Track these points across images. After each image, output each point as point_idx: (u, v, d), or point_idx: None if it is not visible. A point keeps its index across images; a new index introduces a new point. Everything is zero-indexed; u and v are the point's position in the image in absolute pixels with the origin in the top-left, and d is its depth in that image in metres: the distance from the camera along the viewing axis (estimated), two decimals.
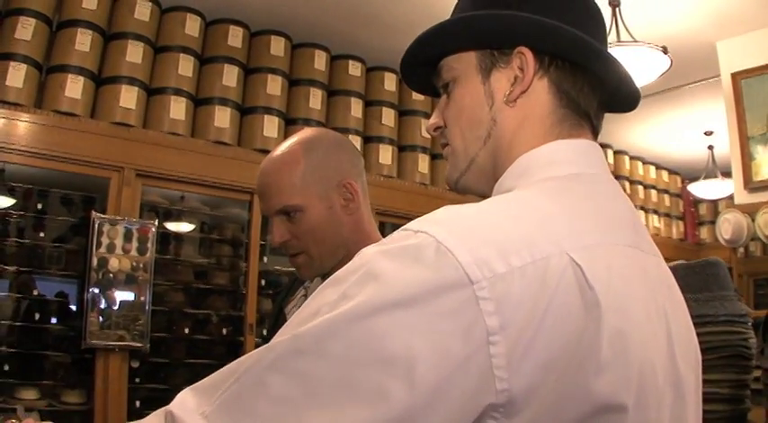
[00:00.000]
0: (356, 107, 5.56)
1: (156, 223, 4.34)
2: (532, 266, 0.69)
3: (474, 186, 0.97)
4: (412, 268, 0.67)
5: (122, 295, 4.08)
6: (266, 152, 4.67)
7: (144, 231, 4.16)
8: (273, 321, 1.70)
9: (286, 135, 5.03)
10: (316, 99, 5.30)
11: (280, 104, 5.09)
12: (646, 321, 0.77)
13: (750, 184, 5.00)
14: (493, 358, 0.65)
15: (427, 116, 6.01)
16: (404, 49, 0.98)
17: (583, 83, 0.90)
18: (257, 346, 4.55)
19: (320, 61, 5.39)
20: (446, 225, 0.71)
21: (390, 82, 5.85)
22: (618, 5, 4.49)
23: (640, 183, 8.24)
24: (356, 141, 5.48)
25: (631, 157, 8.20)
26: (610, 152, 7.90)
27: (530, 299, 0.67)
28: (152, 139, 4.35)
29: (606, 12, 4.52)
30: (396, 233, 0.74)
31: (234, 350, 4.78)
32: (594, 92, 0.92)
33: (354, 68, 5.60)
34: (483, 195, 0.95)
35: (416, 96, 5.99)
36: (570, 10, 0.91)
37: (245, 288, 4.80)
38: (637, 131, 7.35)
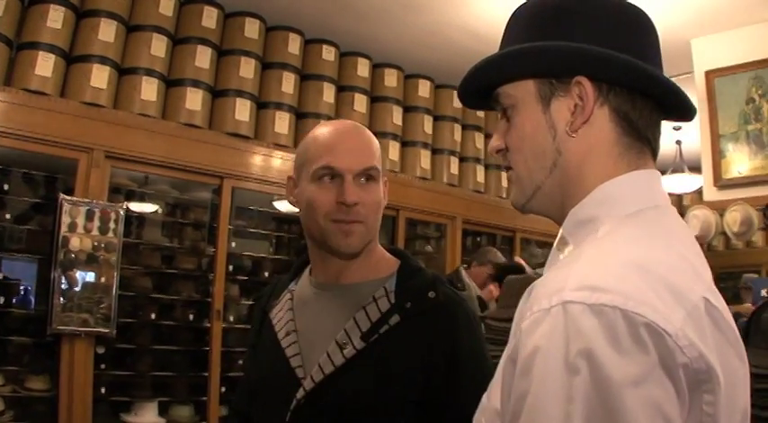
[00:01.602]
0: (328, 92, 5.62)
1: (125, 206, 4.35)
2: (689, 317, 0.76)
3: (540, 210, 1.02)
4: None
5: (84, 276, 4.10)
6: (237, 135, 4.82)
7: (105, 212, 4.17)
8: (258, 325, 1.67)
9: (258, 119, 5.12)
10: (288, 83, 5.34)
11: (252, 88, 5.12)
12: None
13: (719, 182, 5.17)
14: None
15: (399, 103, 6.12)
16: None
17: (642, 106, 0.94)
18: (224, 332, 4.65)
19: (294, 45, 5.43)
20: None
21: (363, 68, 5.91)
22: None
23: None
24: None
25: None
26: None
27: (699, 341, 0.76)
28: (122, 120, 4.35)
29: None
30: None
31: (200, 336, 4.83)
32: (653, 113, 0.96)
33: (328, 53, 5.65)
34: (547, 217, 1.02)
35: (389, 83, 6.07)
36: (622, 34, 0.95)
37: (213, 273, 4.83)
38: None
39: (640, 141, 0.95)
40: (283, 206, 5.57)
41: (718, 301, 0.81)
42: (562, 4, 0.97)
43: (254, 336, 1.65)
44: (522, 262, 5.61)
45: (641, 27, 0.98)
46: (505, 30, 1.04)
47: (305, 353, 1.48)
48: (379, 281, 1.52)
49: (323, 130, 1.54)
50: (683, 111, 0.99)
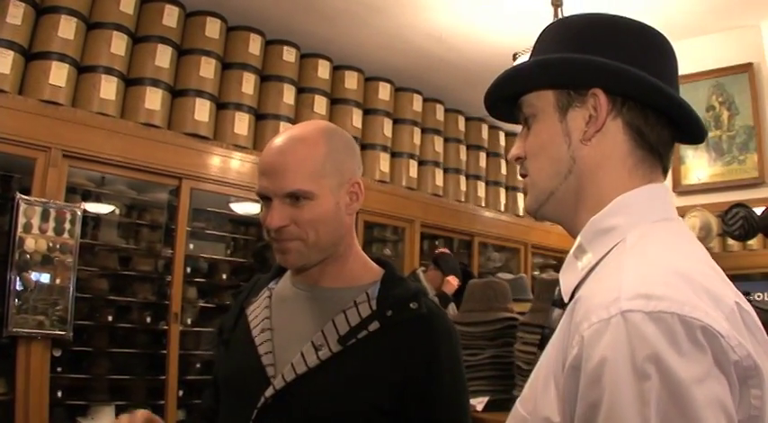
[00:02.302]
0: (288, 93, 5.64)
1: (82, 207, 4.31)
2: (727, 320, 0.82)
3: (552, 216, 1.08)
4: None
5: (39, 277, 4.05)
6: (196, 136, 4.82)
7: (61, 212, 4.13)
8: (233, 321, 1.64)
9: (217, 119, 5.11)
10: (248, 84, 5.35)
11: (212, 88, 5.11)
12: None
13: (679, 187, 5.30)
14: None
15: (359, 106, 6.16)
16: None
17: (655, 122, 1.00)
18: (181, 334, 4.65)
19: (255, 45, 5.44)
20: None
21: (324, 69, 5.94)
22: (560, 6, 4.73)
23: None
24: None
25: None
26: None
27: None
28: (81, 119, 4.31)
29: (548, 12, 4.75)
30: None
31: (158, 339, 4.80)
32: (664, 130, 1.01)
33: (289, 54, 5.67)
34: (558, 223, 1.08)
35: (349, 86, 6.11)
36: (642, 54, 1.01)
37: (170, 275, 4.80)
38: None
39: (652, 155, 1.01)
40: (240, 208, 5.59)
41: (747, 304, 0.88)
42: (591, 22, 1.05)
43: (228, 331, 1.63)
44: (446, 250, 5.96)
45: (661, 50, 1.04)
46: (536, 43, 1.10)
47: (278, 352, 1.47)
48: (361, 287, 1.52)
49: (269, 145, 1.53)
50: (694, 131, 1.04)
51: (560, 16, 4.77)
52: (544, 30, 1.11)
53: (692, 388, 0.76)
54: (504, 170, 7.76)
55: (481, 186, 7.42)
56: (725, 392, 0.78)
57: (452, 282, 5.14)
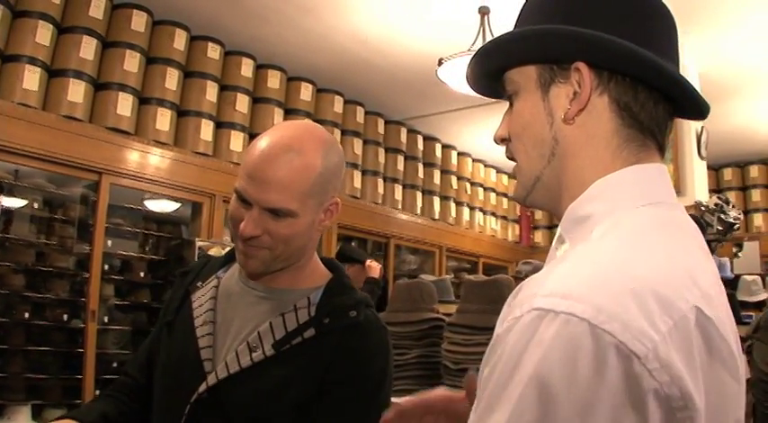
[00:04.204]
0: (211, 91, 5.66)
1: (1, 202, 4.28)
2: (675, 329, 0.72)
3: (541, 204, 1.01)
4: None
5: None
6: (118, 131, 4.83)
7: None
8: (178, 304, 1.61)
9: (139, 114, 5.11)
10: (172, 79, 5.36)
11: (135, 82, 5.10)
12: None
13: None
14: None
15: (281, 105, 6.25)
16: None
17: (646, 98, 0.91)
18: (100, 333, 4.64)
19: (180, 41, 5.45)
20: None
21: (247, 68, 5.99)
22: (487, 13, 4.92)
23: (481, 185, 8.92)
24: (208, 126, 5.60)
25: (474, 160, 8.85)
26: (454, 153, 8.49)
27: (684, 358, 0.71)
28: (2, 110, 4.26)
29: (475, 18, 4.95)
30: None
31: (74, 337, 4.75)
32: (657, 105, 0.92)
33: (213, 51, 5.70)
34: (549, 212, 1.02)
35: (272, 85, 6.17)
36: (631, 22, 0.92)
37: (88, 272, 4.77)
38: (481, 135, 7.87)
39: (643, 134, 0.92)
40: (155, 205, 5.60)
41: (714, 309, 0.77)
42: None
43: (172, 313, 1.60)
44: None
45: (654, 17, 0.96)
46: (520, 13, 1.03)
47: (217, 346, 1.48)
48: (305, 291, 1.53)
49: (261, 143, 1.46)
50: (692, 106, 0.96)
51: (487, 25, 5.00)
52: None
53: (571, 410, 0.68)
54: (421, 173, 7.95)
55: (398, 189, 7.59)
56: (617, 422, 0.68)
57: (373, 265, 5.15)
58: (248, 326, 1.49)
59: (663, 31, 0.96)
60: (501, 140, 1.02)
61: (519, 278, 4.12)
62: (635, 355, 0.68)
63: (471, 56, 1.03)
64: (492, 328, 0.81)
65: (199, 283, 1.62)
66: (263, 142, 1.46)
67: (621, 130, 0.91)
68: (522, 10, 1.02)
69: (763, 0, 4.89)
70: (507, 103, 1.02)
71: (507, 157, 1.02)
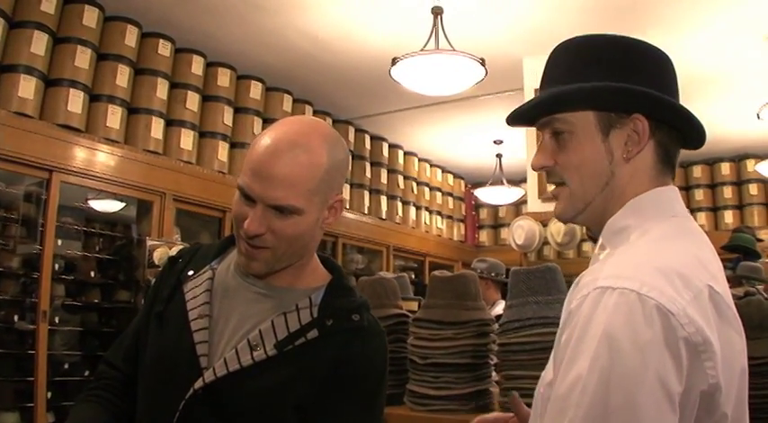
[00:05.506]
0: (162, 88, 5.63)
1: None
2: (694, 299, 1.01)
3: (584, 221, 1.28)
4: None
5: None
6: (69, 128, 4.78)
7: None
8: (168, 293, 1.57)
9: (90, 111, 5.05)
10: (123, 76, 5.31)
11: (86, 78, 5.04)
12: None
13: (544, 194, 5.63)
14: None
15: (230, 104, 6.24)
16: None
17: (675, 138, 1.21)
18: (50, 334, 4.58)
19: (131, 37, 5.40)
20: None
21: (198, 65, 5.98)
22: (440, 14, 4.98)
23: (427, 184, 9.02)
24: (158, 124, 5.56)
25: (420, 159, 8.94)
26: (400, 152, 8.55)
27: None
28: None
29: (428, 19, 5.00)
30: None
31: (25, 339, 4.67)
32: (678, 142, 1.23)
33: (164, 48, 5.67)
34: (587, 227, 1.31)
35: (221, 83, 6.17)
36: (661, 76, 1.21)
37: (39, 272, 4.69)
38: (428, 135, 8.00)
39: (669, 166, 1.23)
40: (100, 205, 5.54)
41: (721, 287, 1.07)
42: (613, 45, 1.23)
43: (163, 302, 1.57)
44: None
45: (671, 70, 1.25)
46: (552, 61, 1.28)
47: (213, 342, 1.47)
48: (306, 291, 1.53)
49: (265, 139, 1.46)
50: (698, 140, 1.26)
51: (439, 25, 5.07)
52: (559, 48, 1.28)
53: (634, 354, 0.95)
54: (368, 173, 8.01)
55: (346, 189, 7.63)
56: (663, 363, 0.96)
57: None
58: (248, 323, 1.48)
59: (673, 76, 1.25)
60: (541, 168, 1.26)
61: (480, 276, 4.22)
62: (671, 312, 0.97)
63: (517, 101, 1.28)
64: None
65: (190, 272, 1.59)
66: (267, 138, 1.45)
67: (657, 164, 1.21)
68: (554, 60, 1.27)
69: (726, 2, 5.03)
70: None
71: (550, 181, 1.28)
